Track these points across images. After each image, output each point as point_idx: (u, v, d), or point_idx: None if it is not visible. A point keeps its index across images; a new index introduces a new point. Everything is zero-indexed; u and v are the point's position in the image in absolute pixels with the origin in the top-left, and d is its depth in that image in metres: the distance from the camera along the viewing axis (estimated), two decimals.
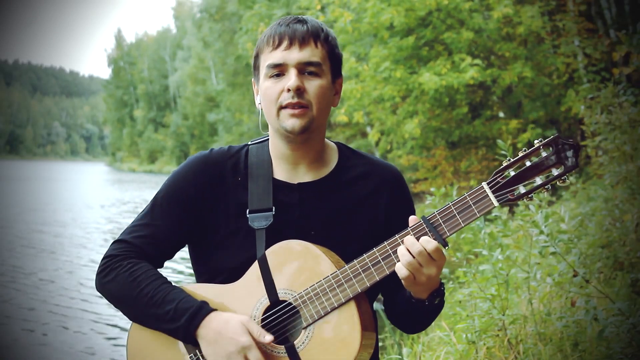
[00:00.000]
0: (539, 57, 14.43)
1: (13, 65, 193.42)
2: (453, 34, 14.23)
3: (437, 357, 3.84)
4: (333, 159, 1.97)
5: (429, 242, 1.71)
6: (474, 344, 3.55)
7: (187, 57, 62.45)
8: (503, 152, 3.50)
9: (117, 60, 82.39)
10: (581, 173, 11.79)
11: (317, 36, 1.86)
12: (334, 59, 1.91)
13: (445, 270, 4.51)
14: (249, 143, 2.00)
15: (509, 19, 14.29)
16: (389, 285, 1.92)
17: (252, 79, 1.98)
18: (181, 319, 1.78)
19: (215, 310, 1.81)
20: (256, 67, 1.92)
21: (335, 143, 2.02)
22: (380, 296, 2.04)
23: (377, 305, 2.05)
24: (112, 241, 1.97)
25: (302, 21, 1.88)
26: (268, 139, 1.98)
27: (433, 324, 5.08)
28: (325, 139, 1.99)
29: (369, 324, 1.82)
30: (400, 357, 4.24)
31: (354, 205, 1.92)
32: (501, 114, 15.29)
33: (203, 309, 1.79)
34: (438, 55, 14.91)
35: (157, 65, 76.34)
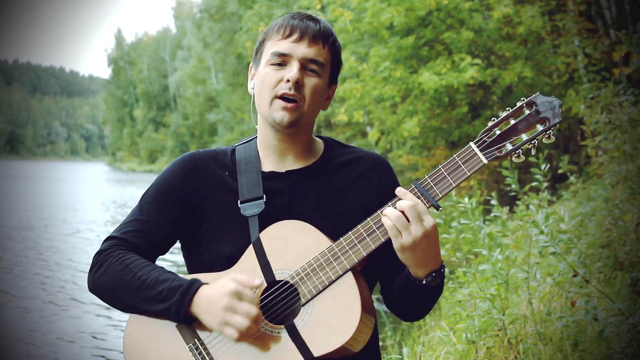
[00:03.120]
0: (539, 57, 14.43)
1: (13, 65, 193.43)
2: (453, 33, 14.23)
3: (437, 357, 3.83)
4: (320, 150, 2.01)
5: (419, 203, 1.73)
6: (474, 343, 3.55)
7: (187, 57, 62.48)
8: None
9: (117, 60, 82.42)
10: (581, 173, 11.80)
11: (326, 38, 1.90)
12: (335, 64, 1.95)
13: (445, 270, 4.50)
14: (235, 145, 2.03)
15: (509, 19, 14.29)
16: (387, 270, 1.93)
17: (250, 64, 2.00)
18: (174, 297, 1.78)
19: (207, 283, 1.80)
20: (258, 52, 1.95)
21: (321, 137, 2.05)
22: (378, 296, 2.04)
23: (377, 306, 2.04)
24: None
25: (316, 20, 1.91)
26: (254, 139, 2.01)
27: (433, 323, 5.09)
28: (312, 136, 2.02)
29: (368, 301, 1.80)
30: (400, 357, 4.24)
31: (343, 188, 1.95)
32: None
33: (194, 284, 1.79)
34: (438, 55, 14.92)
35: (157, 65, 76.36)
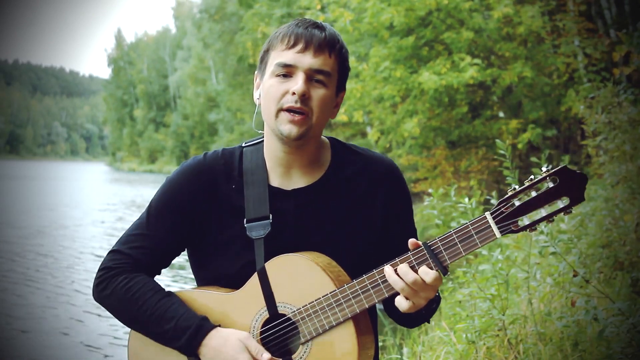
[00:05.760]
0: (539, 57, 14.43)
1: (13, 65, 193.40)
2: (453, 33, 14.23)
3: (437, 357, 3.83)
4: (326, 159, 1.94)
5: (427, 274, 1.70)
6: (474, 343, 3.55)
7: (187, 57, 62.48)
8: (502, 151, 3.51)
9: (117, 60, 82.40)
10: None
11: (332, 46, 1.82)
12: (342, 71, 1.88)
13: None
14: (243, 145, 1.97)
15: (509, 19, 14.29)
16: None
17: (256, 72, 1.94)
18: (181, 339, 1.79)
19: (215, 327, 1.81)
20: (263, 62, 1.88)
21: (328, 139, 1.99)
22: None
23: (377, 306, 2.05)
24: (108, 250, 1.96)
25: (321, 27, 1.83)
26: (262, 141, 1.95)
27: (433, 323, 5.09)
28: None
29: (367, 331, 1.84)
30: (400, 357, 4.24)
31: (350, 205, 1.91)
32: (501, 114, 15.29)
33: (203, 328, 1.80)
34: (438, 55, 14.92)
35: (157, 65, 76.34)
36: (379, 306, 2.08)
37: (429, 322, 1.96)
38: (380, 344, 4.97)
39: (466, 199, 4.02)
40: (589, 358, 3.22)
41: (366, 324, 1.85)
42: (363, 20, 14.89)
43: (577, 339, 3.38)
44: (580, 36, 13.77)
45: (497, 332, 3.59)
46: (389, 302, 1.98)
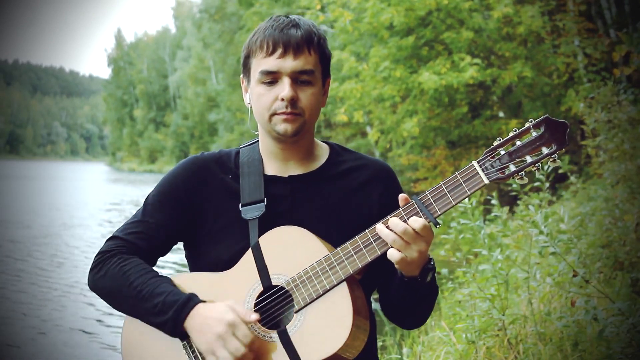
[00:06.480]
0: (539, 57, 14.43)
1: (13, 65, 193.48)
2: (453, 33, 14.23)
3: (437, 357, 3.83)
4: (324, 155, 2.00)
5: (416, 221, 1.72)
6: (474, 343, 3.55)
7: (187, 57, 62.47)
8: None
9: (117, 60, 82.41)
10: (581, 173, 11.80)
11: (310, 42, 1.86)
12: (324, 61, 1.92)
13: (444, 271, 4.51)
14: (240, 146, 2.03)
15: (509, 19, 14.29)
16: (385, 278, 1.93)
17: (241, 76, 2.00)
18: (169, 312, 1.79)
19: (204, 302, 1.81)
20: (246, 67, 1.94)
21: (326, 142, 2.05)
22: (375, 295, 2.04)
23: (376, 306, 2.04)
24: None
25: (296, 25, 1.87)
26: (258, 141, 2.01)
27: (433, 323, 5.08)
28: (316, 140, 2.02)
29: (362, 309, 1.81)
30: (400, 357, 4.24)
31: (346, 195, 1.94)
32: (501, 114, 15.29)
33: (190, 301, 1.80)
34: (438, 55, 14.92)
35: (157, 65, 76.35)
36: (379, 306, 2.07)
37: (425, 314, 1.94)
38: (380, 344, 4.98)
39: (466, 199, 4.01)
40: (589, 358, 3.22)
41: (363, 305, 1.82)
42: (363, 20, 14.89)
43: (577, 339, 3.38)
44: (580, 36, 13.77)
45: (497, 332, 3.59)
46: (386, 301, 1.98)
